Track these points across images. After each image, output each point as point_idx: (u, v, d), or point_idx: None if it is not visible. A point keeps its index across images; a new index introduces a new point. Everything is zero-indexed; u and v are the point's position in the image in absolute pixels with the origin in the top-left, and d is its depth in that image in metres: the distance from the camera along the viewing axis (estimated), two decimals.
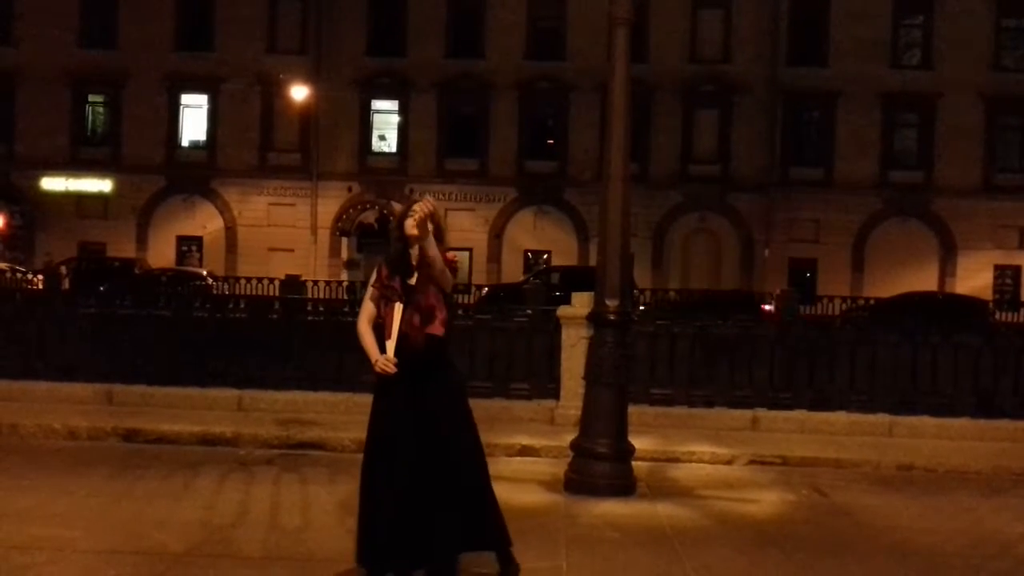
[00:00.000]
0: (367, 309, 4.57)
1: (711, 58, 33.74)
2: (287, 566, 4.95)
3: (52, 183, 34.42)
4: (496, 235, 34.05)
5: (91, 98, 35.36)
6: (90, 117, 35.67)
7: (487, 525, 4.54)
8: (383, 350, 4.45)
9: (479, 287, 28.89)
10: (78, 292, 24.34)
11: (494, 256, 34.03)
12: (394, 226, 4.61)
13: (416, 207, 4.40)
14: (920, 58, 33.69)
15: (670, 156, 33.66)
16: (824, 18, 33.48)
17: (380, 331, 4.54)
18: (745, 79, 33.56)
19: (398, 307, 4.45)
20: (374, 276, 4.58)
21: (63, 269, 29.69)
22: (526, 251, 34.33)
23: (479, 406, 9.10)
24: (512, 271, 33.22)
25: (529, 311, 11.01)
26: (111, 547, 5.14)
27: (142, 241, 34.61)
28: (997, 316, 27.77)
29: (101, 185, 34.54)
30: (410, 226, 4.44)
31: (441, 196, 34.12)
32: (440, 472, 4.36)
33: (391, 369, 4.39)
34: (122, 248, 33.79)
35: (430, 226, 4.39)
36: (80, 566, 4.86)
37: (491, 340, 9.67)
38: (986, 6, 32.97)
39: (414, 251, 4.47)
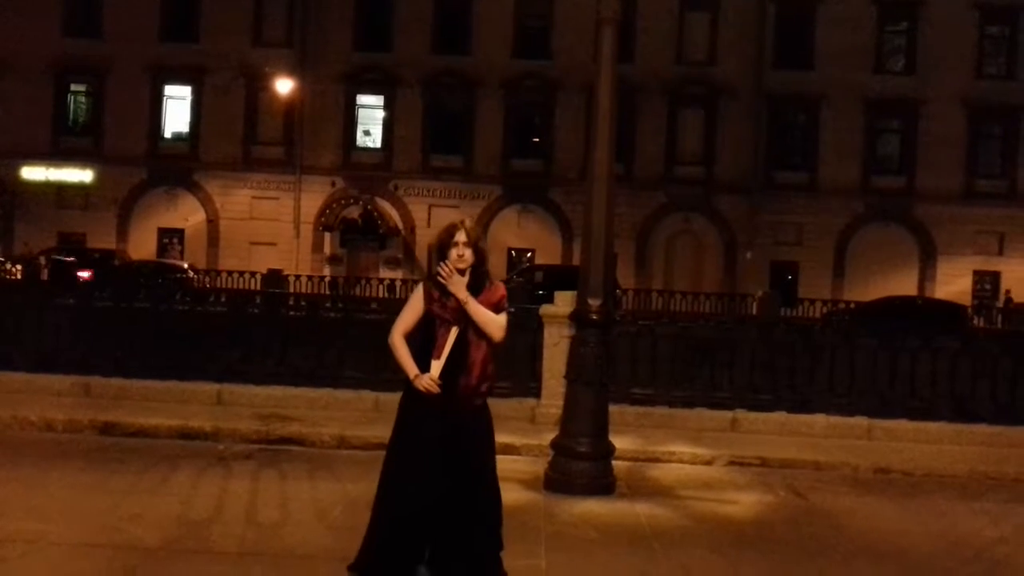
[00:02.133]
0: (404, 322, 4.43)
1: (697, 60, 33.84)
2: (264, 562, 4.92)
3: (32, 173, 34.10)
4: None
5: (73, 87, 35.05)
6: (72, 107, 35.35)
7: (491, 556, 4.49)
8: (419, 364, 4.34)
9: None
10: (57, 283, 24.21)
11: None
12: (434, 248, 4.49)
13: (451, 259, 4.31)
14: (904, 64, 33.93)
15: (655, 157, 33.74)
16: (809, 23, 33.66)
17: (412, 344, 4.43)
18: (730, 82, 33.69)
19: (454, 331, 4.33)
20: (420, 295, 4.43)
21: (42, 259, 29.47)
22: (510, 249, 34.32)
23: None
24: (496, 269, 32.98)
25: (512, 309, 10.98)
26: (86, 540, 5.10)
27: (123, 233, 34.34)
28: (975, 321, 28.08)
29: (82, 175, 34.24)
30: (454, 258, 4.34)
31: (425, 193, 34.15)
32: (462, 500, 4.31)
33: (435, 389, 4.28)
34: (102, 239, 33.53)
35: (463, 281, 4.32)
36: (54, 559, 4.82)
37: None
38: (970, 14, 33.23)
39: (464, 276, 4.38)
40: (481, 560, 4.37)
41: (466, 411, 4.35)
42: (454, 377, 4.31)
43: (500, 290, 4.47)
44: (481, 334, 4.36)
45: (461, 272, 4.38)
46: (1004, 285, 33.01)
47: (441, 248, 4.42)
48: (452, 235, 4.40)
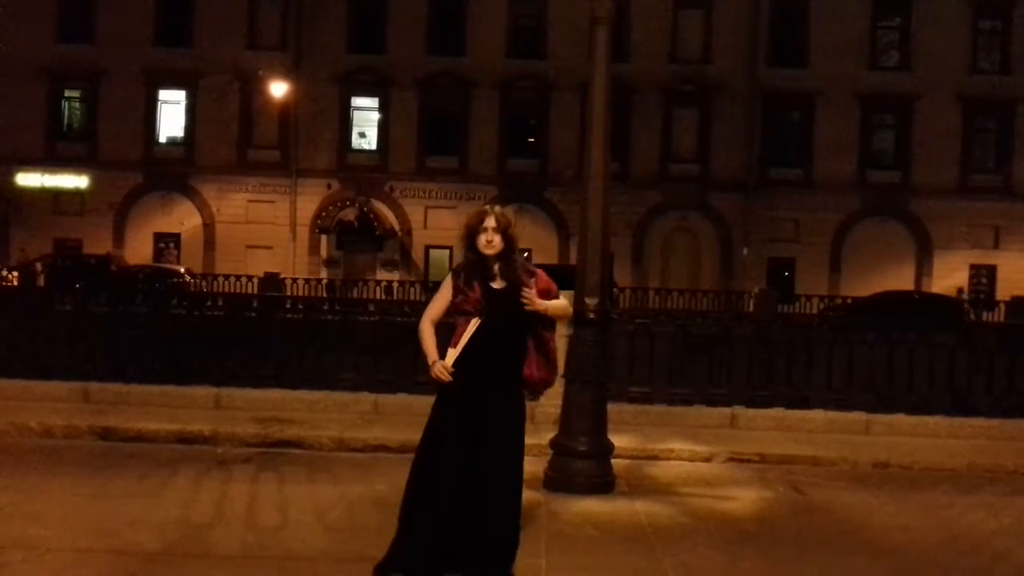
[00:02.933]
0: (433, 310, 4.46)
1: (692, 58, 33.88)
2: (264, 565, 4.91)
3: (27, 179, 34.06)
4: None
5: (68, 93, 35.02)
6: (66, 112, 35.32)
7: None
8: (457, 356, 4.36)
9: None
10: (54, 289, 24.19)
11: None
12: (463, 236, 4.44)
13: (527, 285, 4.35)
14: (898, 60, 33.99)
15: (650, 155, 33.77)
16: (803, 19, 33.71)
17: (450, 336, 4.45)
18: (725, 79, 33.73)
19: (474, 321, 4.32)
20: (449, 287, 4.43)
21: (38, 266, 29.45)
22: None
23: None
24: None
25: None
26: (86, 546, 5.09)
27: (119, 238, 34.33)
28: (972, 315, 28.13)
29: (77, 181, 34.22)
30: (483, 244, 4.35)
31: (421, 194, 34.17)
32: (481, 491, 4.30)
33: (445, 376, 4.29)
34: (98, 245, 33.50)
35: (535, 295, 4.35)
36: (55, 565, 4.81)
37: None
38: (963, 9, 33.30)
39: (491, 263, 4.38)
40: (496, 563, 4.34)
41: (501, 404, 4.35)
42: (512, 367, 4.38)
43: (544, 277, 4.52)
44: (554, 325, 4.53)
45: (490, 258, 4.35)
46: (1000, 278, 33.08)
47: (470, 234, 4.38)
48: (482, 220, 4.36)
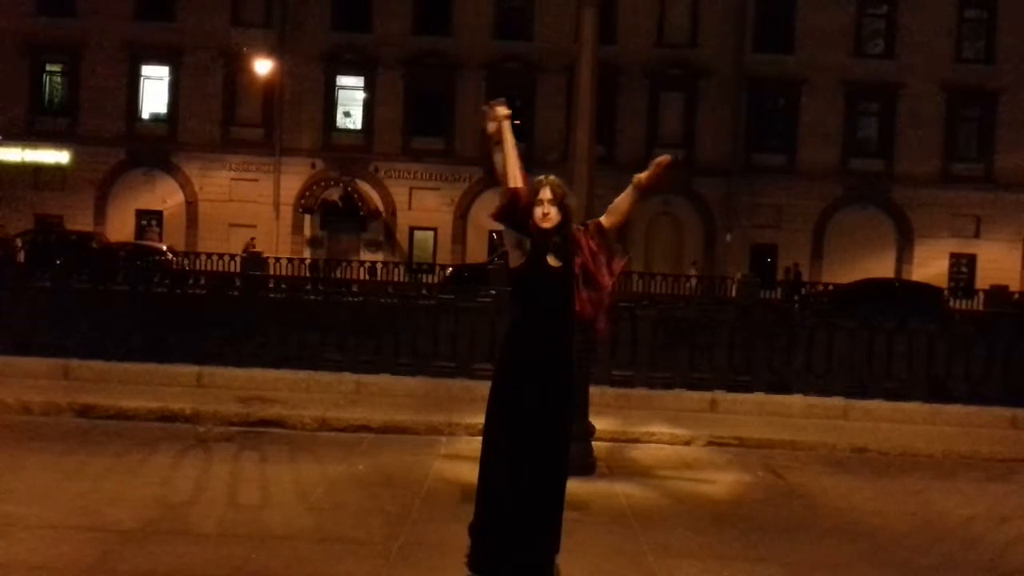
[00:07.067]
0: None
1: (678, 42, 33.82)
2: (244, 543, 4.92)
3: (8, 154, 33.64)
4: (461, 215, 33.97)
5: (49, 67, 34.53)
6: (47, 87, 34.84)
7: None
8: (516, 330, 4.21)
9: (443, 267, 28.96)
10: (34, 265, 23.96)
11: (459, 236, 33.98)
12: (521, 208, 4.12)
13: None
14: (883, 47, 34.06)
15: (636, 139, 33.71)
16: (790, 5, 33.70)
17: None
18: (711, 64, 33.70)
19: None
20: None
21: (19, 241, 29.15)
22: (491, 231, 34.27)
23: (442, 386, 9.19)
24: (477, 251, 33.18)
25: (493, 291, 11.02)
26: (64, 523, 5.08)
27: (100, 215, 34.00)
28: (952, 303, 28.36)
29: (58, 156, 33.83)
30: (540, 217, 4.09)
31: (406, 175, 34.02)
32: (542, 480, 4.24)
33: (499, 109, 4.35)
34: (80, 221, 33.18)
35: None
36: (32, 542, 4.79)
37: (455, 320, 9.69)
38: None
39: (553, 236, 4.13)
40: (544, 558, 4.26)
41: (556, 385, 4.16)
42: (564, 343, 4.17)
43: (582, 234, 4.25)
44: (606, 237, 4.30)
45: (548, 232, 4.10)
46: (980, 267, 33.34)
47: (522, 207, 4.17)
48: (536, 192, 4.12)
